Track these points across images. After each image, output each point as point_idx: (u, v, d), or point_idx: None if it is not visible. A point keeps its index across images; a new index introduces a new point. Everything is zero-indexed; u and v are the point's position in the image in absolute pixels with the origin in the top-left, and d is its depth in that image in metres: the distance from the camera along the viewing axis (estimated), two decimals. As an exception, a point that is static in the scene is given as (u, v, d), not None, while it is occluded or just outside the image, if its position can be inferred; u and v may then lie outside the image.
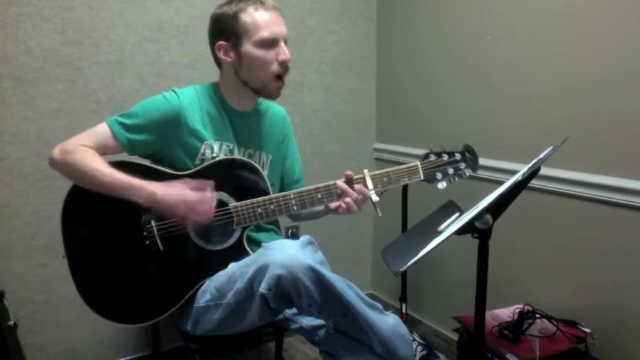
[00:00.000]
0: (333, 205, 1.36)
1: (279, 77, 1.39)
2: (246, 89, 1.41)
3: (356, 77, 2.39)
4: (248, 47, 1.35)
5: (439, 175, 1.40)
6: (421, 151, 1.47)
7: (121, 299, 1.35)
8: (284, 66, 1.38)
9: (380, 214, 1.35)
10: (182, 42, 1.93)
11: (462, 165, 1.41)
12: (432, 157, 1.41)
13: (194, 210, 1.26)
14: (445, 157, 1.41)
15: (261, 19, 1.34)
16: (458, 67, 1.99)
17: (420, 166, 1.40)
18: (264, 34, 1.34)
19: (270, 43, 1.35)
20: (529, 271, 1.78)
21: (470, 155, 1.42)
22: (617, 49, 1.47)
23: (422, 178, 1.40)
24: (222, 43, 1.37)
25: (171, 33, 1.91)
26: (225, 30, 1.36)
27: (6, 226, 1.73)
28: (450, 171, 1.41)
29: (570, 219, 1.63)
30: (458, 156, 1.41)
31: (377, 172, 1.39)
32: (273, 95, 1.43)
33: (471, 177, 1.89)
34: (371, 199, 1.36)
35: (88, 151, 1.31)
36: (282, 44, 1.37)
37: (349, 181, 1.36)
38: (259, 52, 1.35)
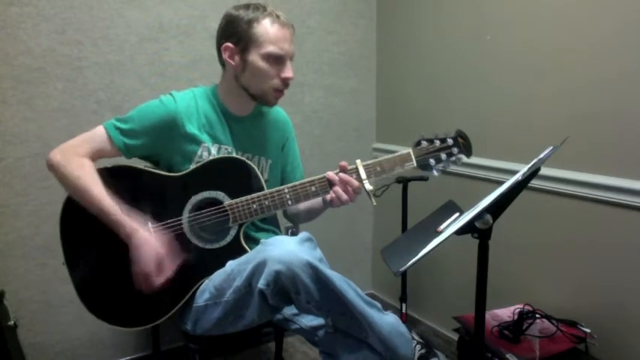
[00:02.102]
0: (328, 196, 1.36)
1: (279, 91, 1.41)
2: (244, 94, 1.42)
3: (356, 77, 2.39)
4: (254, 57, 1.36)
5: (432, 162, 1.37)
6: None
7: (122, 303, 1.34)
8: (285, 83, 1.40)
9: (374, 204, 1.34)
10: (182, 42, 1.93)
11: (455, 150, 1.38)
12: (424, 144, 1.38)
13: (160, 268, 1.26)
14: (437, 143, 1.38)
15: (273, 34, 1.35)
16: (458, 66, 1.99)
17: (412, 153, 1.38)
18: (273, 49, 1.35)
19: (277, 59, 1.36)
20: (529, 271, 1.78)
21: (463, 140, 1.38)
22: (617, 49, 1.47)
23: (415, 165, 1.38)
24: (229, 45, 1.37)
25: (172, 33, 1.91)
26: (235, 33, 1.36)
27: (6, 226, 1.73)
28: (443, 157, 1.38)
29: (570, 219, 1.63)
30: (450, 141, 1.38)
31: (369, 161, 1.38)
32: (270, 103, 1.44)
33: (470, 177, 1.90)
34: (364, 188, 1.35)
35: (86, 166, 1.32)
36: (288, 62, 1.39)
37: (343, 171, 1.36)
38: (264, 65, 1.36)
